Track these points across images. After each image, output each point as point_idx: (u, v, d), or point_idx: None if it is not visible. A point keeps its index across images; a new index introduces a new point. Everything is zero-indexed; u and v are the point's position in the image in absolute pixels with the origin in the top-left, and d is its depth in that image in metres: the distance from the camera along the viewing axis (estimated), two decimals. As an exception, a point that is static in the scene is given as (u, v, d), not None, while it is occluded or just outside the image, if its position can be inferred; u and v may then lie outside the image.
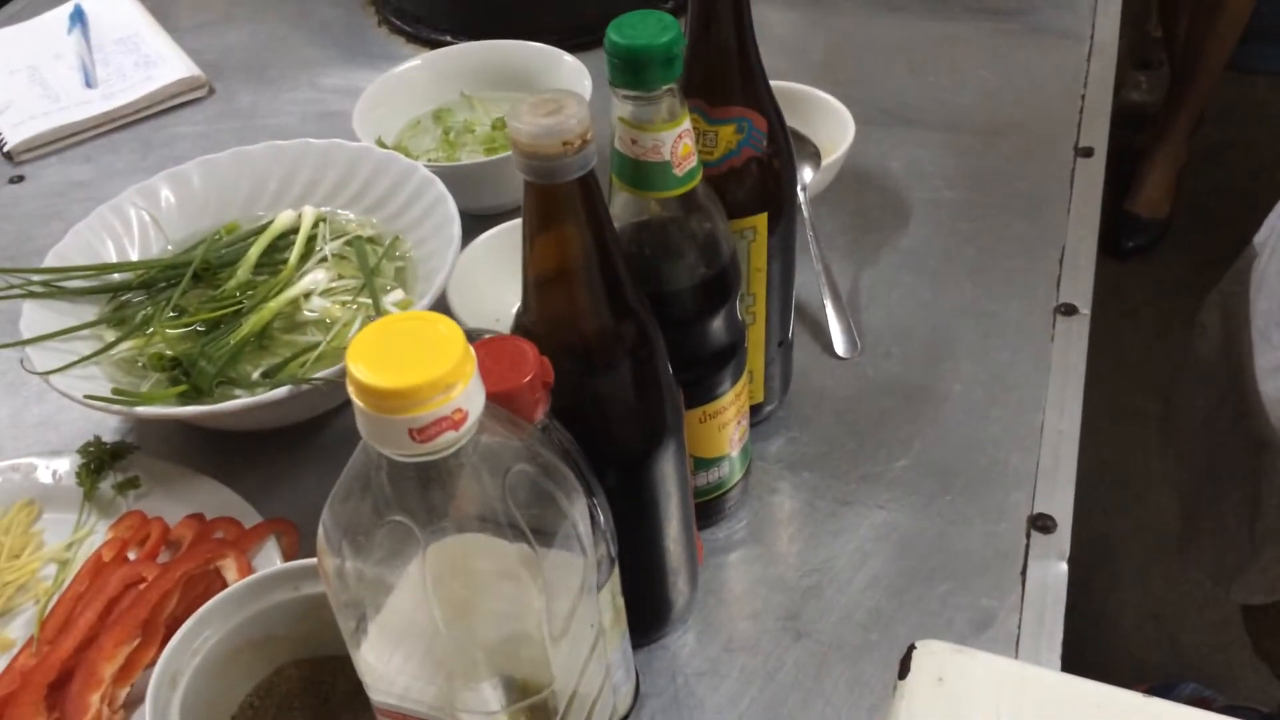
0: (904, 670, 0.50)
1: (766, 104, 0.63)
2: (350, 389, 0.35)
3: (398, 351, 0.34)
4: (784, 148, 0.65)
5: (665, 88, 0.53)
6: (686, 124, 0.54)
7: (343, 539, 0.39)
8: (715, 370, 0.62)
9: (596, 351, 0.52)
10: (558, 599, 0.43)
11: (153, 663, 0.63)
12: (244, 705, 0.58)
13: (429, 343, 0.35)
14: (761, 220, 0.65)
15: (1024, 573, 0.64)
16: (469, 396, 0.35)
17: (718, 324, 0.61)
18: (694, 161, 0.56)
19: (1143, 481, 1.71)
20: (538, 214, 0.49)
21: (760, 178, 0.64)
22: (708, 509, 0.68)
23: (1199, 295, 1.11)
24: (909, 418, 0.74)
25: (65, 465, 0.74)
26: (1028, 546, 0.66)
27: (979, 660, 0.50)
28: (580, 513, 0.42)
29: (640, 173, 0.55)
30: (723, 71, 0.61)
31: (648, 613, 0.63)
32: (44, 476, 0.73)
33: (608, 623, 0.53)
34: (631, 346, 0.53)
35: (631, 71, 0.52)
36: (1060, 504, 0.68)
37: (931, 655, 0.50)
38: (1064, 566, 0.64)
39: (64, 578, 0.68)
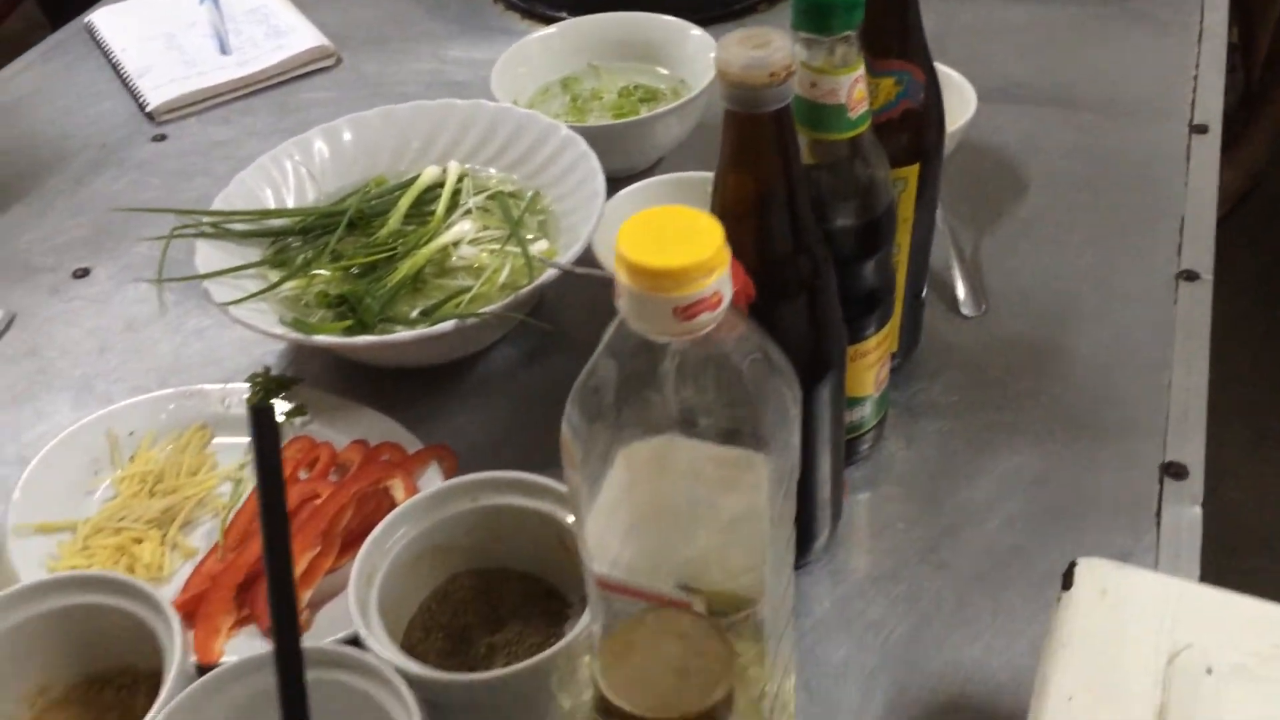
0: (1067, 582, 0.53)
1: (924, 59, 0.66)
2: (620, 271, 0.38)
3: (663, 238, 0.38)
4: (937, 103, 0.68)
5: (845, 34, 0.56)
6: (861, 70, 0.58)
7: (584, 421, 0.43)
8: (866, 311, 0.66)
9: (780, 281, 0.56)
10: (774, 502, 0.47)
11: (332, 569, 0.67)
12: (423, 608, 0.62)
13: (690, 232, 0.38)
14: (913, 172, 0.68)
15: (1158, 515, 0.67)
16: (724, 283, 0.39)
17: (872, 267, 0.65)
18: (865, 107, 0.59)
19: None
20: (737, 143, 0.53)
21: (915, 130, 0.67)
22: (848, 448, 0.71)
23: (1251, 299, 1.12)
24: (1036, 373, 0.77)
25: (234, 394, 0.78)
26: (1161, 492, 0.68)
27: (1142, 575, 0.53)
28: (797, 410, 0.46)
29: (816, 114, 0.58)
30: (888, 25, 0.64)
31: (799, 534, 0.66)
32: (215, 405, 0.78)
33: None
34: (809, 277, 0.57)
35: (818, 16, 0.55)
36: (1192, 452, 0.70)
37: (1094, 570, 0.53)
38: (1198, 510, 0.67)
39: (240, 494, 0.73)
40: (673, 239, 0.38)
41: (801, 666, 0.62)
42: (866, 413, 0.70)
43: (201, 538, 0.71)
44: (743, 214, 0.55)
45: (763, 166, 0.53)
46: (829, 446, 0.63)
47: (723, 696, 0.39)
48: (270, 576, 0.45)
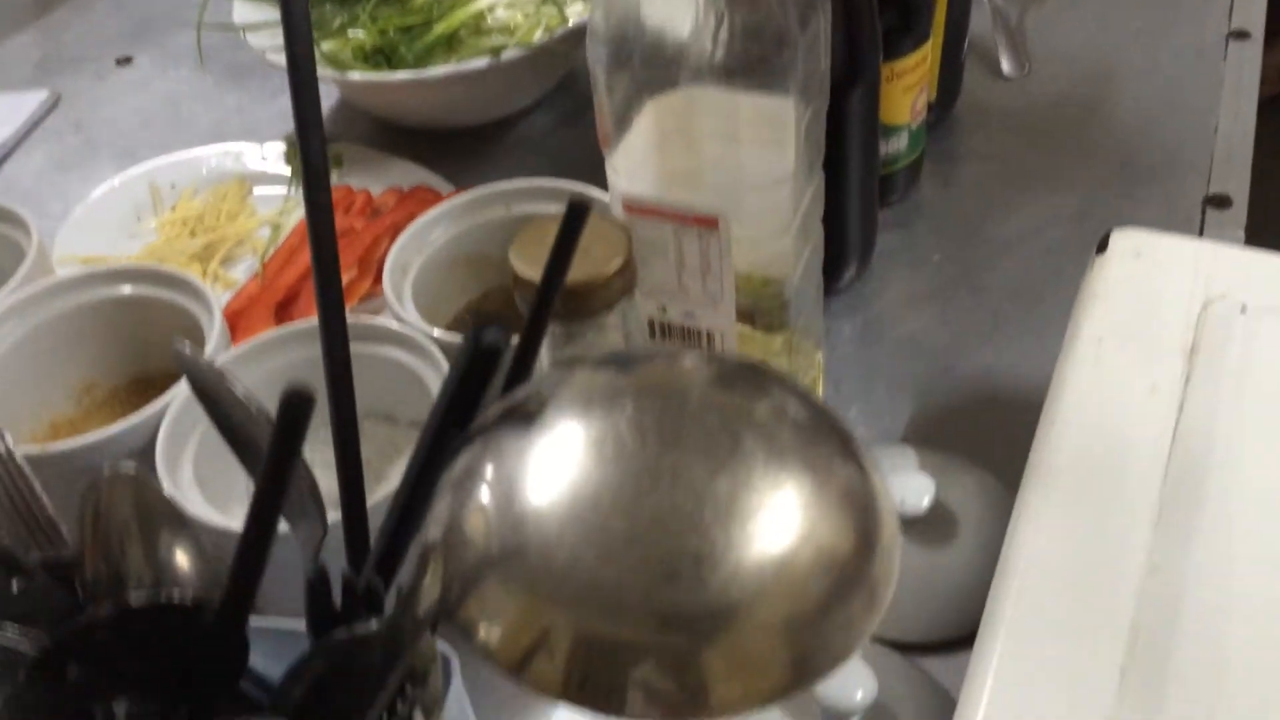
0: (1102, 247, 0.52)
1: None
2: None
3: None
4: None
5: None
6: None
7: (611, 55, 0.42)
8: (902, 25, 0.65)
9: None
10: (803, 154, 0.47)
11: (367, 295, 0.68)
12: (457, 317, 0.63)
13: None
14: (953, -110, 0.66)
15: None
16: None
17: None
18: None
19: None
20: None
21: None
22: (882, 185, 0.71)
23: None
24: (1080, 124, 0.76)
25: (273, 150, 0.79)
26: (1203, 220, 0.67)
27: (1178, 239, 0.52)
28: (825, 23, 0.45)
29: None
30: None
31: (829, 261, 0.66)
32: (253, 161, 0.79)
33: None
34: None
35: None
36: (1236, 186, 0.69)
37: (1129, 236, 0.52)
38: (1240, 234, 0.66)
39: (278, 237, 0.74)
40: None
41: (831, 371, 0.62)
42: (902, 145, 0.70)
43: (242, 272, 0.72)
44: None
45: None
46: (861, 164, 0.63)
47: (618, 268, 0.40)
48: (313, 241, 0.45)
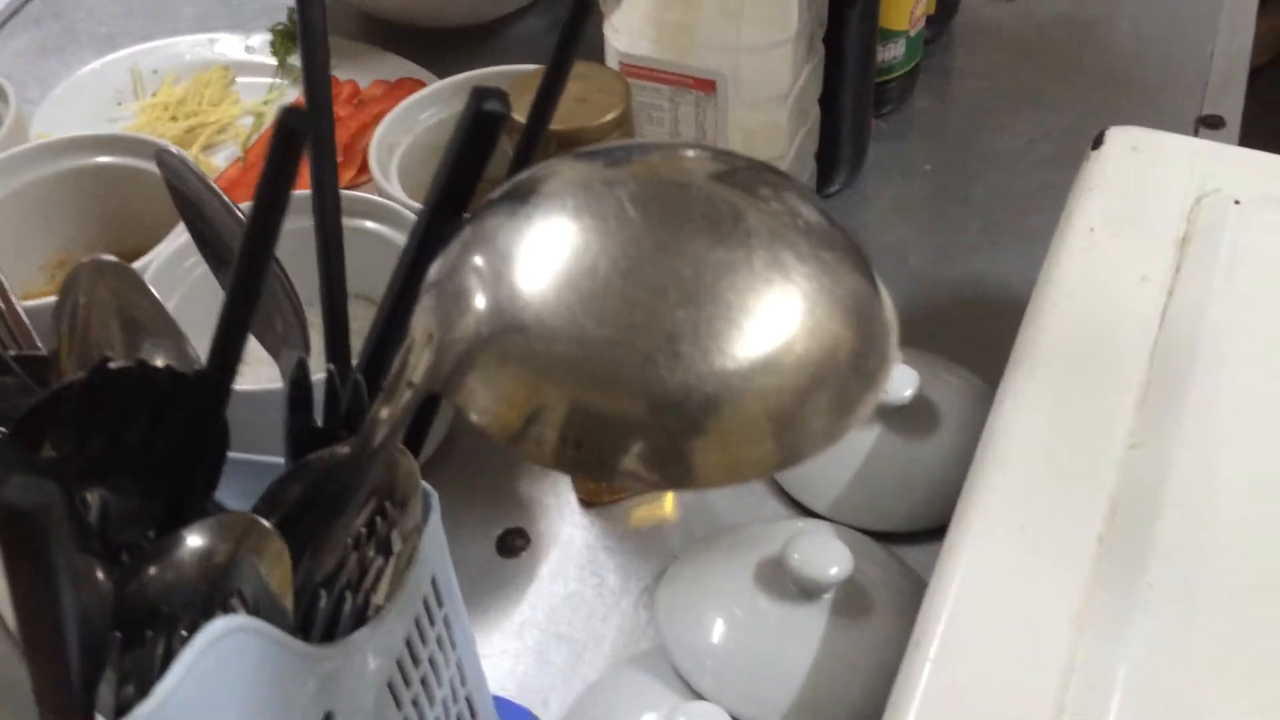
0: (1098, 143, 0.52)
1: None
2: None
3: None
4: None
5: None
6: None
7: None
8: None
9: None
10: (804, 18, 0.46)
11: (351, 184, 0.67)
12: (443, 205, 0.62)
13: None
14: None
15: (1192, 156, 0.66)
16: None
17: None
18: None
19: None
20: None
21: None
22: (877, 93, 0.70)
23: None
24: (1076, 45, 0.75)
25: (256, 40, 0.77)
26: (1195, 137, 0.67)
27: (1172, 137, 0.52)
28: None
29: None
30: None
31: (821, 166, 0.65)
32: (237, 51, 0.77)
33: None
34: None
35: None
36: (1230, 107, 0.69)
37: (1126, 133, 0.52)
38: (1233, 152, 0.66)
39: (262, 123, 0.72)
40: None
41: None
42: (899, 53, 0.69)
43: (223, 159, 0.71)
44: None
45: None
46: (858, 66, 0.62)
47: (615, 117, 0.40)
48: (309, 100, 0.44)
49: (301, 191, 0.29)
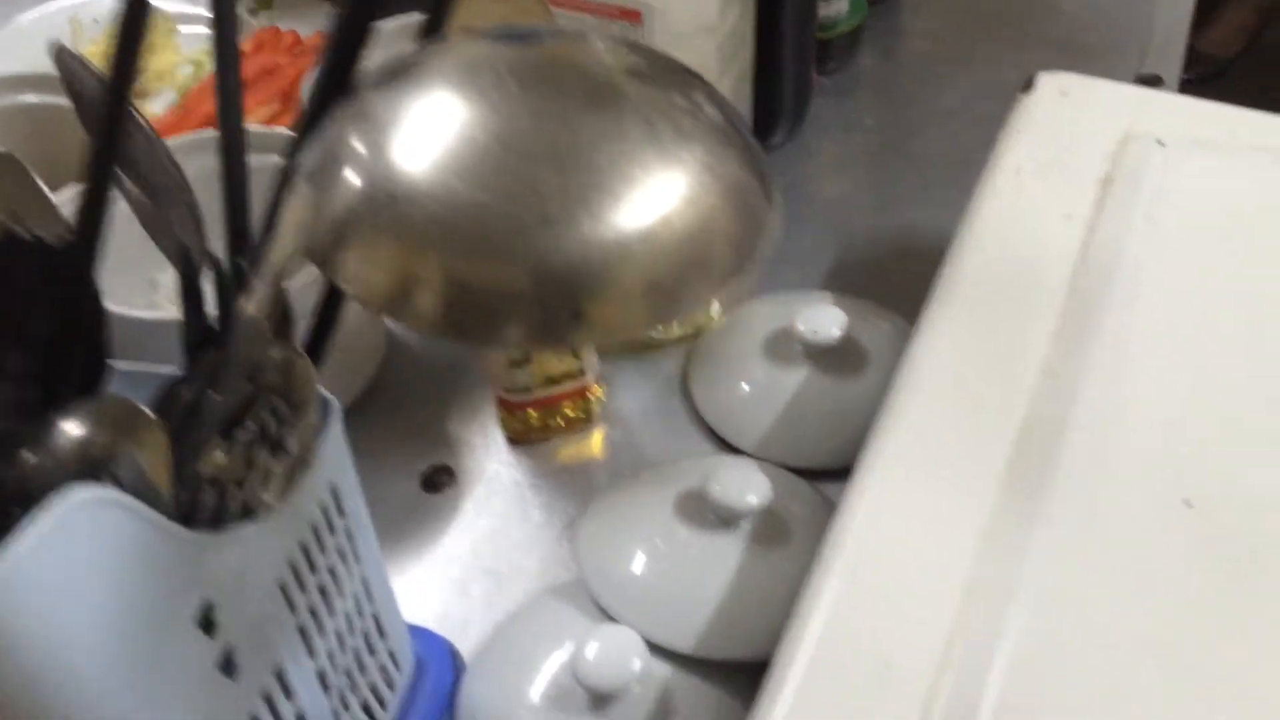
0: (1028, 87, 0.52)
1: None
2: None
3: None
4: None
5: None
6: None
7: None
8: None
9: None
10: None
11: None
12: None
13: None
14: None
15: (1130, 114, 0.66)
16: None
17: None
18: None
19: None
20: None
21: None
22: (821, 50, 0.70)
23: None
24: (1021, 6, 0.76)
25: (201, -10, 0.76)
26: (1134, 98, 0.67)
27: (1102, 82, 0.52)
28: None
29: None
30: None
31: (762, 118, 0.65)
32: (177, 1, 0.76)
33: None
34: None
35: None
36: (1169, 68, 0.69)
37: (1056, 78, 0.52)
38: (1170, 111, 0.66)
39: (200, 74, 0.71)
40: None
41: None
42: (843, 9, 0.69)
43: (161, 106, 0.70)
44: None
45: None
46: (796, 20, 0.62)
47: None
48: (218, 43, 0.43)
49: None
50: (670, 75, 0.26)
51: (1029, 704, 0.32)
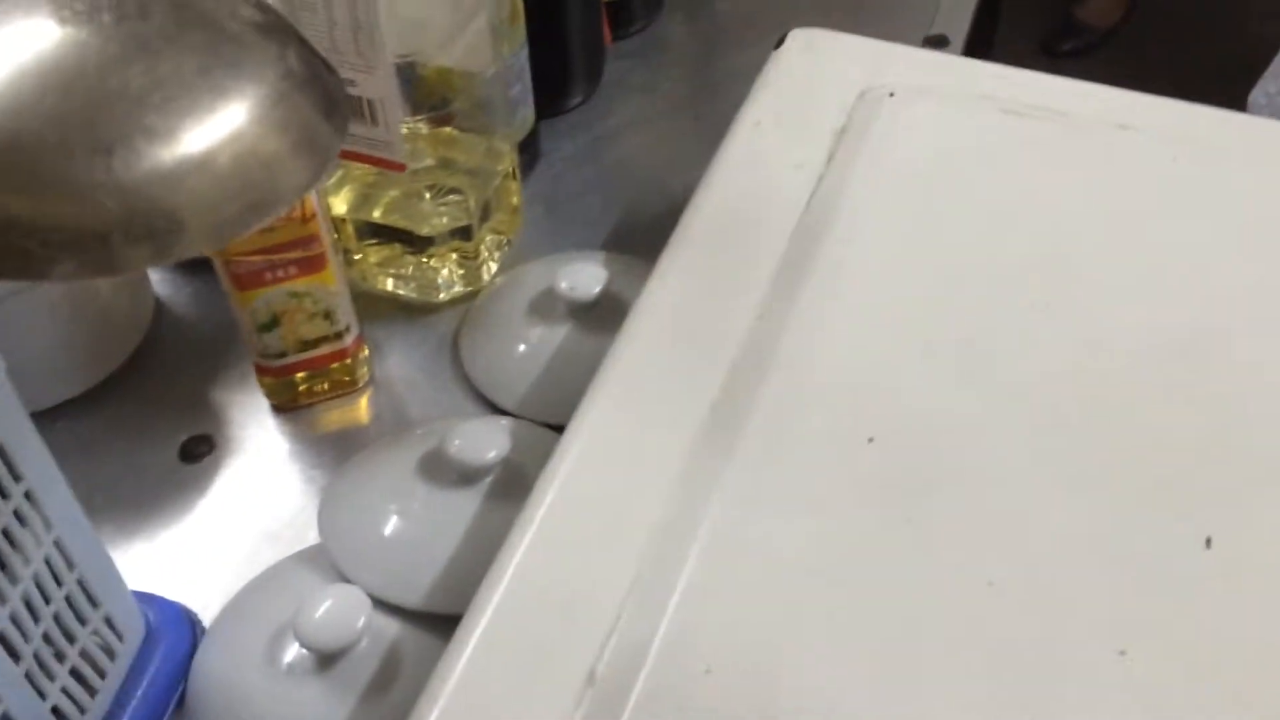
0: (780, 43, 0.53)
1: None
2: None
3: None
4: None
5: None
6: None
7: None
8: None
9: None
10: None
11: None
12: None
13: None
14: None
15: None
16: None
17: None
18: None
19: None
20: None
21: None
22: (619, 14, 0.71)
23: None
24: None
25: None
26: (922, 55, 0.69)
27: (852, 38, 0.53)
28: None
29: None
30: None
31: (555, 83, 0.65)
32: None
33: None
34: None
35: None
36: (957, 28, 0.71)
37: (806, 33, 0.53)
38: (954, 67, 0.68)
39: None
40: None
41: (545, 187, 0.62)
42: (634, -29, 0.69)
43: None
44: None
45: None
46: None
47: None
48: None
49: None
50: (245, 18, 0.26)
51: (696, 637, 0.33)
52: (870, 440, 0.37)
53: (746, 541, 0.35)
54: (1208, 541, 0.34)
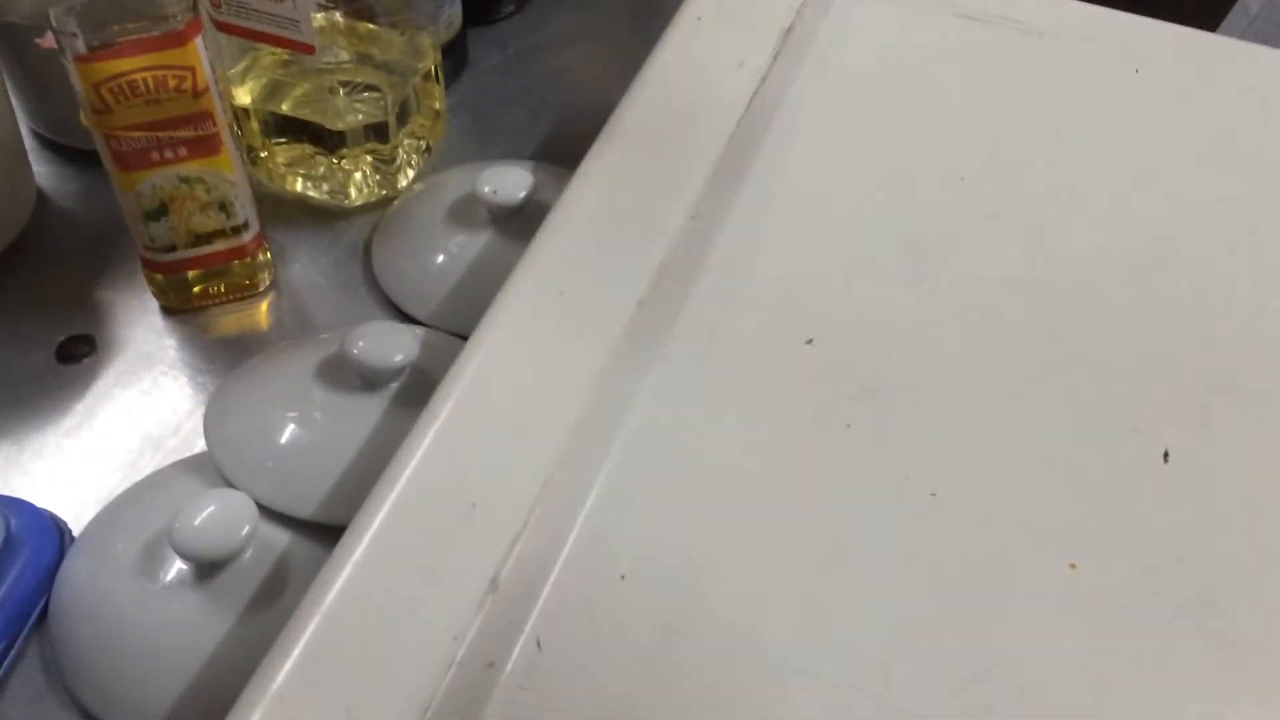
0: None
1: None
2: None
3: None
4: None
5: None
6: None
7: None
8: None
9: None
10: None
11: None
12: None
13: None
14: None
15: None
16: None
17: None
18: None
19: None
20: None
21: None
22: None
23: None
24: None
25: None
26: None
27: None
28: None
29: None
30: None
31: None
32: None
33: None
34: None
35: None
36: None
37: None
38: None
39: None
40: None
41: (471, 96, 0.59)
42: (576, -124, 0.65)
43: None
44: None
45: None
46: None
47: None
48: None
49: None
50: None
51: (612, 542, 0.30)
52: (809, 342, 0.34)
53: (672, 444, 0.32)
54: (1165, 455, 0.31)
